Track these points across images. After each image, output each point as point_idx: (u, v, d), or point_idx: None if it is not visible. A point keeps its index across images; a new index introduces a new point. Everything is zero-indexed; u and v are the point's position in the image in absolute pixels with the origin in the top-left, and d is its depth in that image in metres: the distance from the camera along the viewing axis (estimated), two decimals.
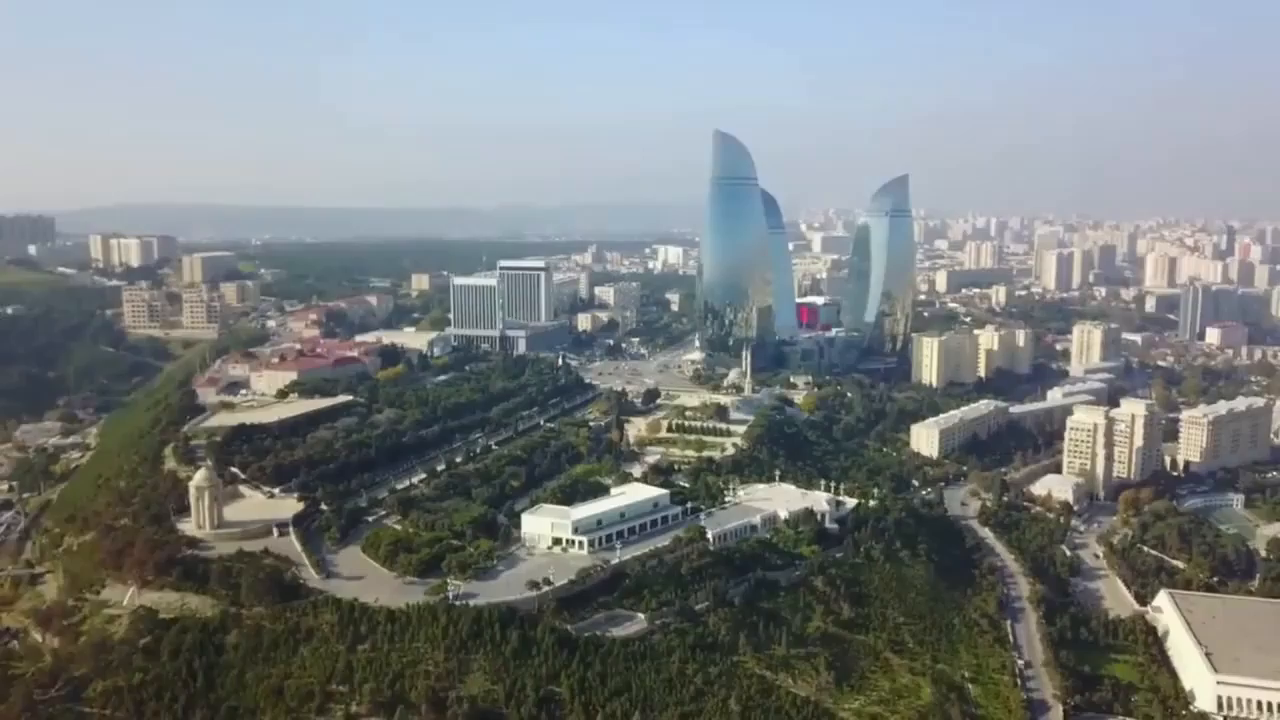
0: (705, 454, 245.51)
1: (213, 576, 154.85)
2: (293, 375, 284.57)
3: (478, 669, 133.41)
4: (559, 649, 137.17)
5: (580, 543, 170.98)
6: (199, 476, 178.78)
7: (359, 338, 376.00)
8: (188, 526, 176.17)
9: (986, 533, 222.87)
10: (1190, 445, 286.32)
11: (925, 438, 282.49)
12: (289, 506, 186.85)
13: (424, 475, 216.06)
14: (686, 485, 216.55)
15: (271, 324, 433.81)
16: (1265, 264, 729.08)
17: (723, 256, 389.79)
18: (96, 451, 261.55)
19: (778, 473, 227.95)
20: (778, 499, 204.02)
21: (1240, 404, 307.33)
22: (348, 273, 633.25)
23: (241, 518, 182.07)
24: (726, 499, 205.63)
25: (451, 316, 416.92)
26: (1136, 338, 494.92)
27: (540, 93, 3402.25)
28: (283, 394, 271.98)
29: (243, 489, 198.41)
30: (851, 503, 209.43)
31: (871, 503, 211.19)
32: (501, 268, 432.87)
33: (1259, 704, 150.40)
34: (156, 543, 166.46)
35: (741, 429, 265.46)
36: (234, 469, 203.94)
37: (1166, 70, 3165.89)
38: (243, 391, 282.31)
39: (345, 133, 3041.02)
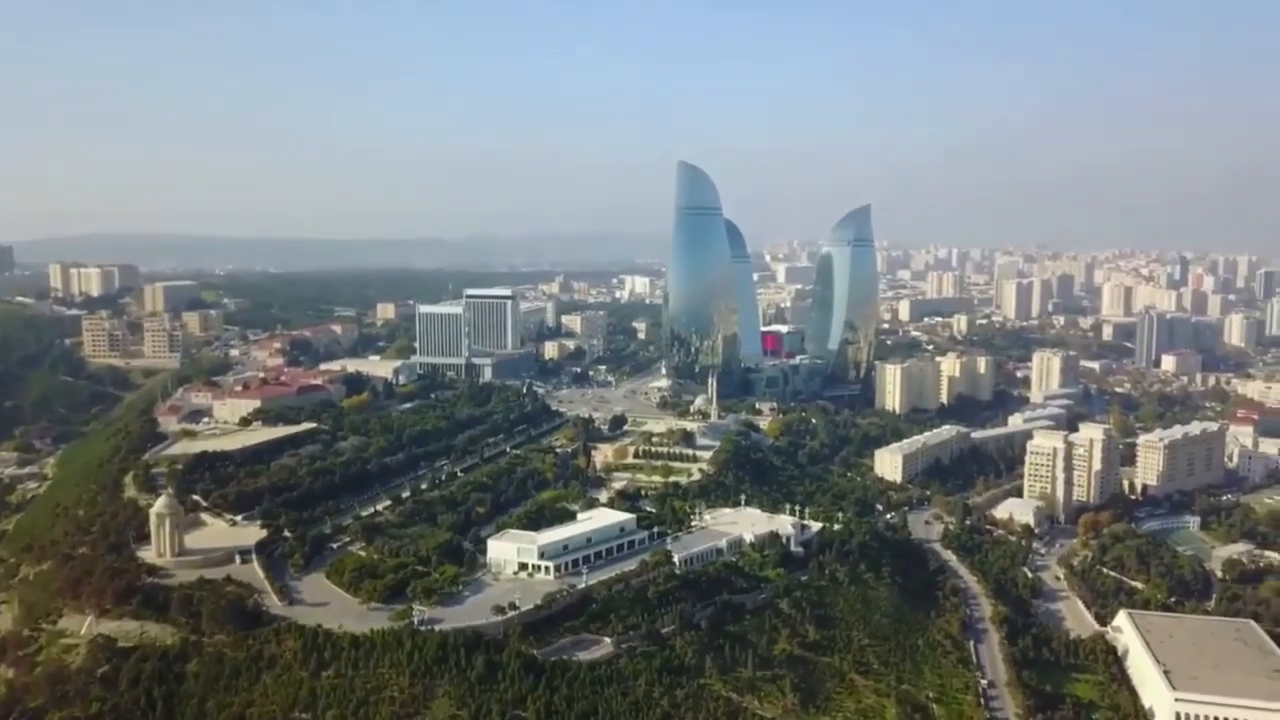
0: (672, 479, 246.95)
1: (173, 604, 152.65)
2: (256, 403, 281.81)
3: (443, 694, 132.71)
4: (525, 673, 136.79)
5: (546, 568, 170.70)
6: (160, 503, 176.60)
7: (323, 366, 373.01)
8: (148, 554, 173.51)
9: (949, 555, 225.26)
10: (1147, 469, 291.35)
11: (889, 462, 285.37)
12: (252, 534, 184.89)
13: (389, 502, 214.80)
14: (653, 510, 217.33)
15: (235, 353, 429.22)
16: (1217, 293, 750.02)
17: (688, 284, 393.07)
18: (54, 481, 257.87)
19: (743, 497, 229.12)
20: (743, 523, 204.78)
21: (1195, 428, 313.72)
22: (313, 302, 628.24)
23: (203, 545, 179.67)
24: (693, 523, 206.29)
25: (417, 345, 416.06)
26: (1094, 365, 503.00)
27: (512, 124, 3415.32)
28: (246, 422, 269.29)
29: (205, 516, 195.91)
30: (816, 526, 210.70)
31: (836, 526, 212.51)
32: (468, 296, 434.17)
33: None
34: (115, 571, 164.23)
35: (707, 454, 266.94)
36: (196, 496, 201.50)
37: (1119, 108, 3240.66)
38: (205, 420, 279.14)
39: (309, 164, 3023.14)
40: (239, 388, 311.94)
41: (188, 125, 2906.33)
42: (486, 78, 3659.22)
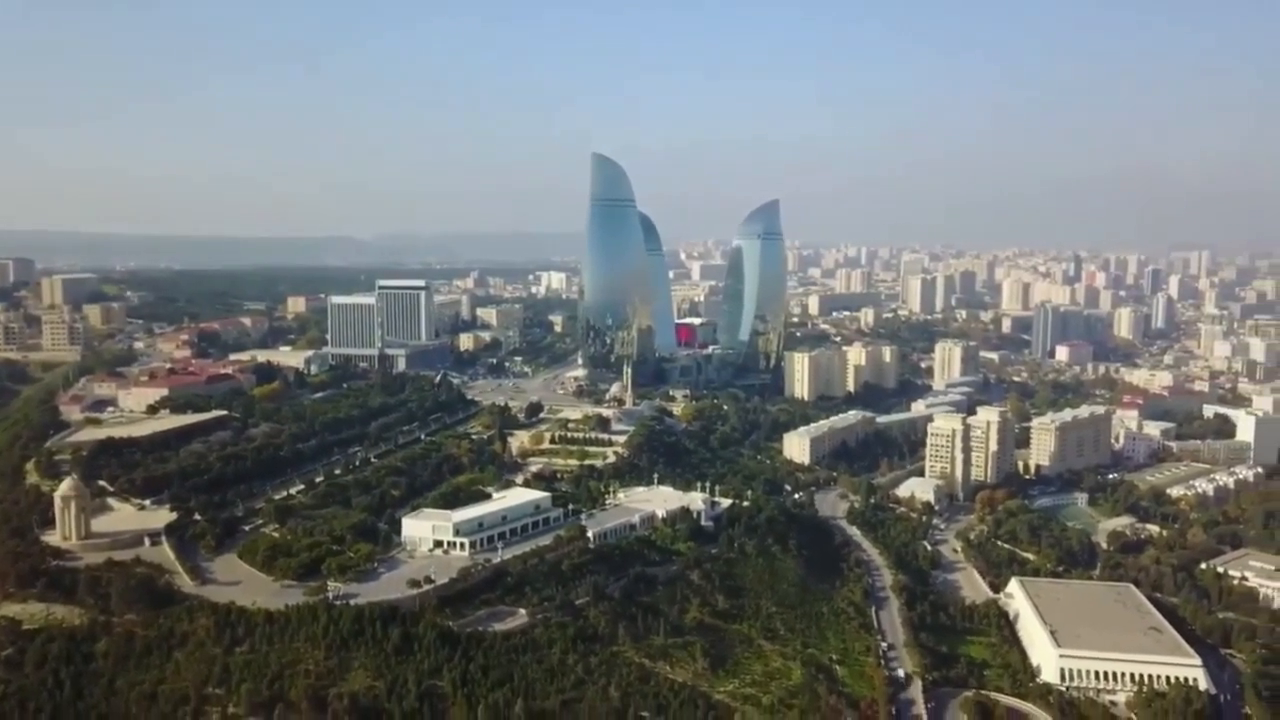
0: (587, 462, 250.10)
1: (80, 586, 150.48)
2: (163, 392, 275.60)
3: (359, 666, 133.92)
4: (441, 644, 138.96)
5: (462, 544, 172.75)
6: (65, 486, 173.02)
7: (233, 357, 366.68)
8: (53, 538, 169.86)
9: (854, 531, 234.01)
10: (1040, 450, 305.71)
11: (797, 445, 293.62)
12: (161, 517, 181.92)
13: (302, 486, 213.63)
14: (569, 490, 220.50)
15: (139, 345, 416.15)
16: (1109, 289, 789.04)
17: (604, 275, 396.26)
18: None
19: (657, 477, 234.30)
20: (656, 500, 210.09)
21: (1084, 413, 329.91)
22: (221, 297, 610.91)
23: (111, 529, 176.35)
24: (607, 501, 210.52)
25: (329, 336, 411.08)
26: (994, 355, 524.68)
27: (420, 118, 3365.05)
28: (153, 410, 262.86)
29: (111, 502, 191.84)
30: (726, 502, 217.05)
31: (745, 503, 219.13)
32: (380, 287, 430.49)
33: (1096, 673, 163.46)
34: (18, 555, 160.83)
35: (622, 439, 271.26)
36: (102, 482, 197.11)
37: (1024, 111, 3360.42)
38: (110, 409, 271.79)
39: (214, 157, 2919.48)
40: (145, 377, 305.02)
41: (87, 114, 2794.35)
42: (398, 66, 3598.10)
